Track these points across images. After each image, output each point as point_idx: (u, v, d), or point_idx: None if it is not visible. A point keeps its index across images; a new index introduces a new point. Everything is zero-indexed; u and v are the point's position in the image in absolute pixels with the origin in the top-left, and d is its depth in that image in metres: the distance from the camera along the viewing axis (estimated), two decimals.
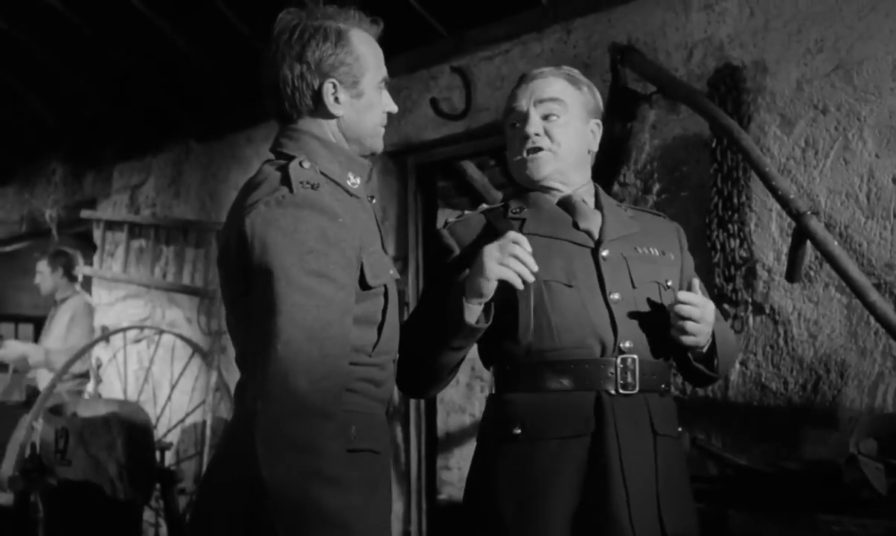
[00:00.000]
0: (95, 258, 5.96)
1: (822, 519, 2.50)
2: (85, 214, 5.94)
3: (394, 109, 1.93)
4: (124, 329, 5.60)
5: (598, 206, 2.09)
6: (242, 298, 1.72)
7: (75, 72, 5.50)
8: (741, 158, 3.09)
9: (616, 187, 3.47)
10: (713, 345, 1.99)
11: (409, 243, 4.29)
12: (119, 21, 4.91)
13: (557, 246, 1.99)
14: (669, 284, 2.04)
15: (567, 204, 2.06)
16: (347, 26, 1.82)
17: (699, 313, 1.90)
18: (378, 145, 1.94)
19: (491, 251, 1.84)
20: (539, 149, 2.03)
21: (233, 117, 5.08)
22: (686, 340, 1.93)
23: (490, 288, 1.84)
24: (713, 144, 3.20)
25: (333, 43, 1.79)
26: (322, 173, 1.77)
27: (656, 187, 3.41)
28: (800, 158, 3.08)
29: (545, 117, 2.04)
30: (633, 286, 1.97)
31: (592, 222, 2.04)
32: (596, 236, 2.01)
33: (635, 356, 1.93)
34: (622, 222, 2.07)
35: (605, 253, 1.98)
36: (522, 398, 1.94)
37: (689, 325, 1.90)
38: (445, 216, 2.35)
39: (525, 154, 2.04)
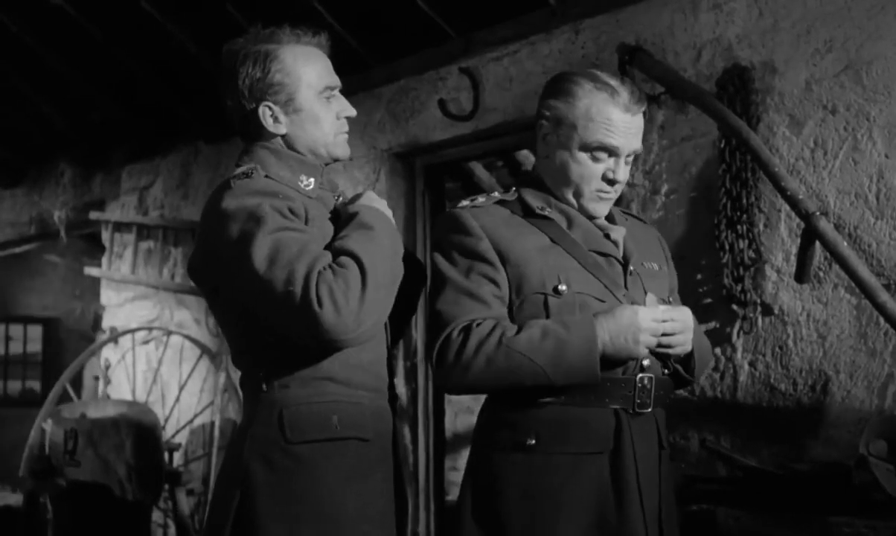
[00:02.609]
0: (104, 260, 5.97)
1: (831, 521, 2.50)
2: (93, 215, 5.95)
3: (351, 113, 1.97)
4: (133, 331, 5.62)
5: (609, 216, 2.06)
6: (214, 296, 1.89)
7: (84, 74, 5.52)
8: (750, 158, 3.08)
9: (625, 188, 3.46)
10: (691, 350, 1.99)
11: (417, 244, 4.29)
12: (128, 24, 4.92)
13: (592, 258, 1.95)
14: (670, 299, 2.04)
15: (588, 215, 2.02)
16: (277, 45, 1.90)
17: (680, 325, 1.90)
18: (339, 152, 1.98)
19: (645, 328, 1.84)
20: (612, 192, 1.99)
21: (236, 131, 5.07)
22: (676, 351, 1.93)
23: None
24: (722, 145, 3.20)
25: (261, 67, 1.88)
26: (270, 178, 1.87)
27: (664, 188, 3.41)
28: (809, 159, 3.07)
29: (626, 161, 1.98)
30: None
31: (617, 233, 2.01)
32: (621, 249, 2.00)
33: (652, 375, 1.92)
34: (632, 235, 2.06)
35: (632, 268, 1.97)
36: (537, 408, 1.89)
37: (674, 339, 1.90)
38: None
39: (599, 192, 1.97)
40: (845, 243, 2.80)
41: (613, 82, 1.94)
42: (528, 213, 1.99)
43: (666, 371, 1.98)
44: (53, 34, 5.25)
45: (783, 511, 2.62)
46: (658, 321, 1.87)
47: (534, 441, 1.88)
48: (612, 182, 1.95)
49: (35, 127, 6.33)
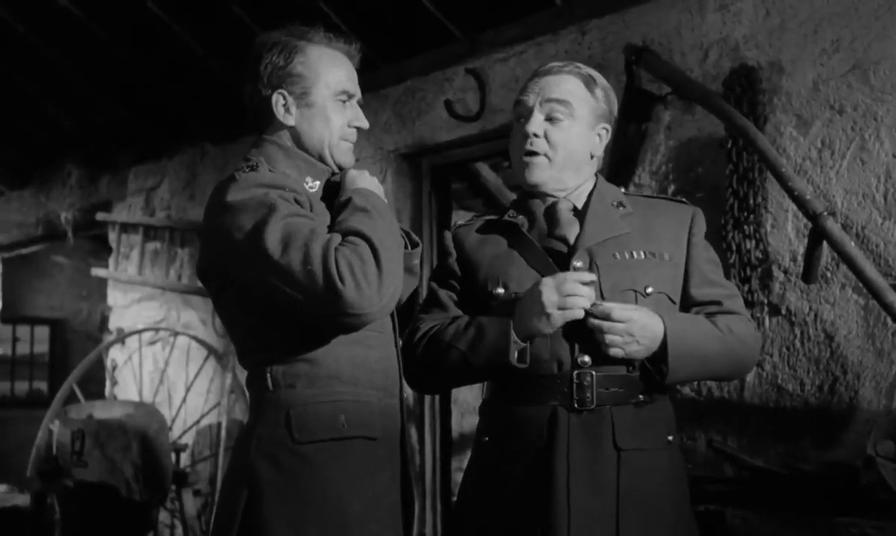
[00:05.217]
0: (111, 261, 5.99)
1: (839, 522, 2.50)
2: (100, 216, 5.97)
3: (363, 124, 1.99)
4: (139, 331, 5.63)
5: (584, 208, 2.04)
6: (221, 295, 1.89)
7: (90, 76, 5.53)
8: (757, 158, 3.08)
9: (631, 189, 3.46)
10: (663, 353, 1.91)
11: (424, 245, 4.29)
12: (134, 25, 4.94)
13: (535, 258, 1.99)
14: (649, 290, 1.97)
15: (551, 211, 2.04)
16: (307, 42, 1.93)
17: (609, 327, 1.89)
18: (342, 158, 1.98)
19: (549, 295, 1.88)
20: (535, 153, 2.01)
21: (247, 120, 5.08)
22: (611, 352, 1.90)
23: (549, 332, 1.91)
24: (729, 145, 3.19)
25: (285, 57, 1.91)
26: (275, 173, 1.88)
27: (671, 189, 3.40)
28: (816, 159, 3.07)
29: (549, 118, 2.01)
30: (602, 297, 1.93)
31: (569, 229, 2.01)
32: (571, 243, 1.99)
33: (593, 372, 1.92)
34: (608, 224, 2.02)
35: (577, 264, 1.96)
36: (494, 408, 2.03)
37: (607, 338, 1.89)
38: (459, 218, 2.37)
39: (523, 155, 2.03)
40: (853, 244, 2.80)
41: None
42: (499, 222, 2.08)
43: (630, 369, 1.95)
44: (59, 35, 5.27)
45: (790, 512, 2.62)
46: (570, 282, 1.87)
47: (487, 438, 2.03)
48: (528, 137, 2.01)
49: (41, 129, 6.34)
